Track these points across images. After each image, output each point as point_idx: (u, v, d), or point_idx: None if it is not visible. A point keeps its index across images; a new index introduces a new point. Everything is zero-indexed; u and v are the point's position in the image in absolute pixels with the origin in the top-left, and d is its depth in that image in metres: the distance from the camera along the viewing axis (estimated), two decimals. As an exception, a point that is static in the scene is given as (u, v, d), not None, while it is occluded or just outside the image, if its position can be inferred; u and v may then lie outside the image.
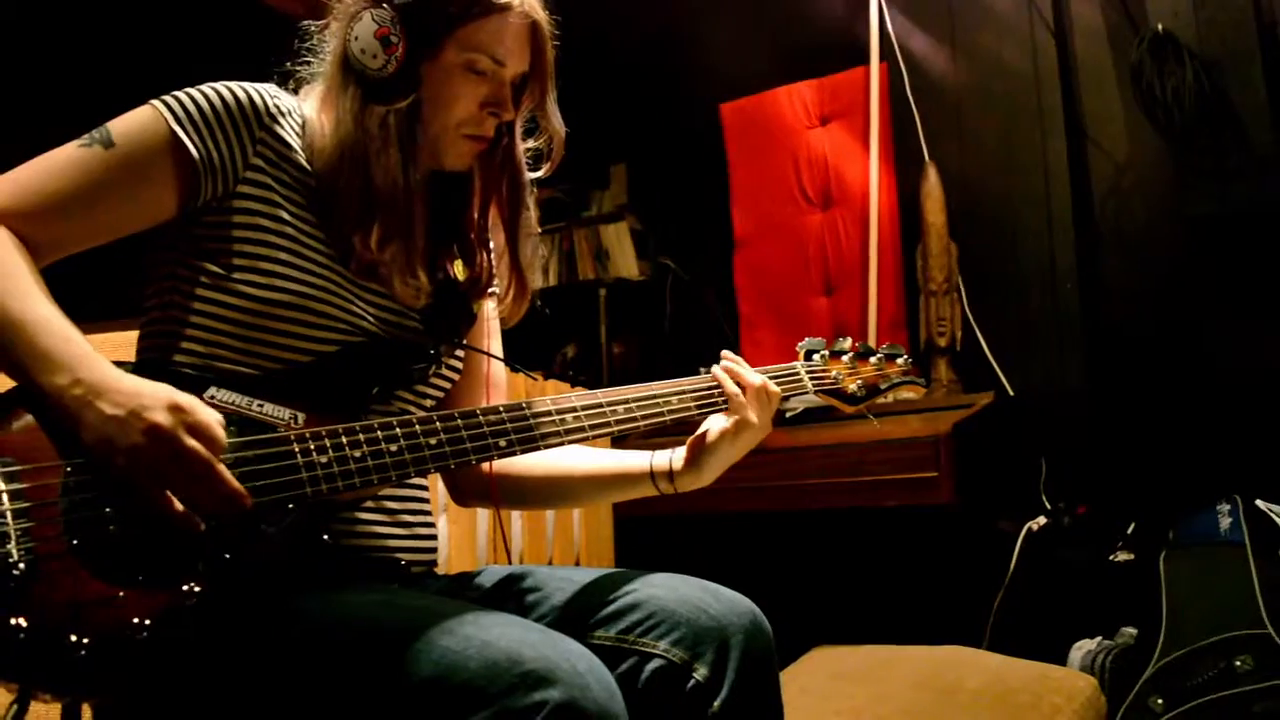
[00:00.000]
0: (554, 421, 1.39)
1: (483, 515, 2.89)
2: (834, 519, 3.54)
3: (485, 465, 1.60)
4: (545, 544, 3.20)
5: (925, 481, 3.18)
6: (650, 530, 3.68)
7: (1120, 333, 3.57)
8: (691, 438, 1.55)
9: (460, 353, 1.58)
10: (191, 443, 1.10)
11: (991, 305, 3.76)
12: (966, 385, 3.72)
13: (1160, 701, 2.61)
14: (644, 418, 1.47)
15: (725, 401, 1.52)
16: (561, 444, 1.39)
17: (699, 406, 1.51)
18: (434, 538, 1.53)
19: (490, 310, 1.63)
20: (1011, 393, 3.67)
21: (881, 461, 3.25)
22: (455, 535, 2.77)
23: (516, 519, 3.10)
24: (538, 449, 1.37)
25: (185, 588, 1.10)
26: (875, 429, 3.21)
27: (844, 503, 3.30)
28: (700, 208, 4.41)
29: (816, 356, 1.70)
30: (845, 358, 1.73)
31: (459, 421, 1.31)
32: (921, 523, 3.46)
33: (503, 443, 1.33)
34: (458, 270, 1.53)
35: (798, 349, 1.71)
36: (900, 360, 1.79)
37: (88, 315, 1.31)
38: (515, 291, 1.56)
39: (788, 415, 3.56)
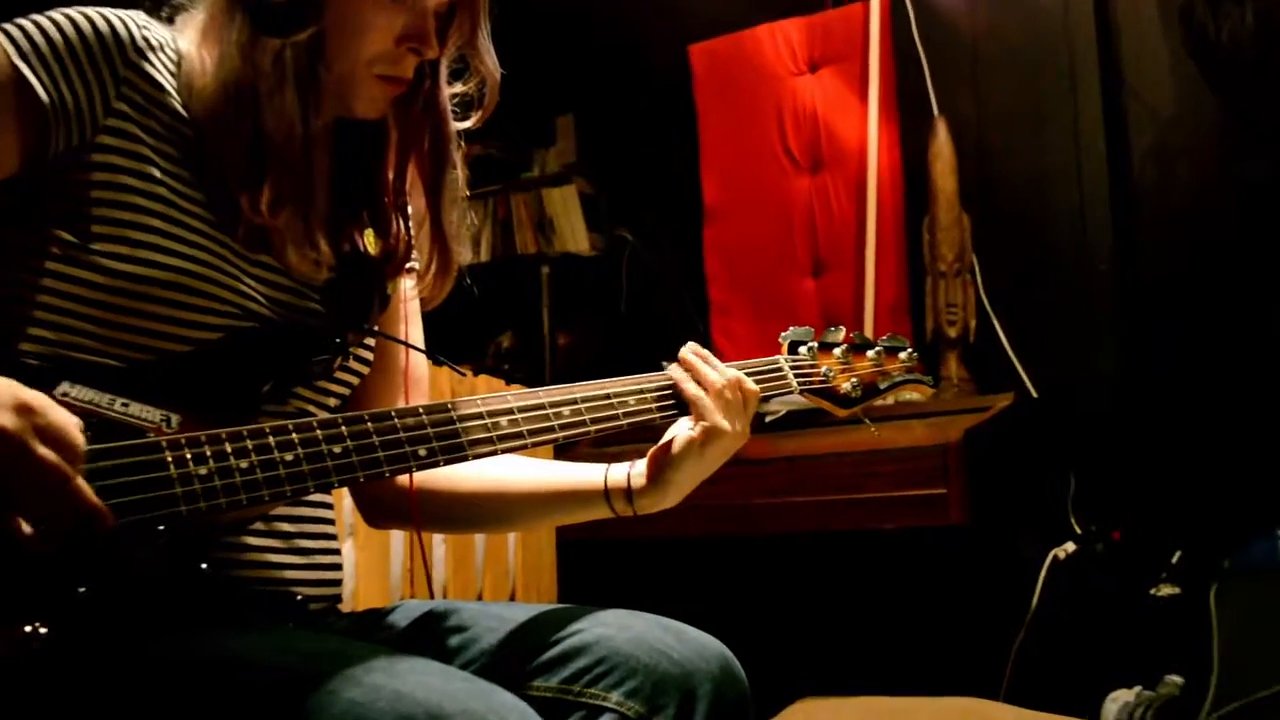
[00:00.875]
0: (485, 426, 1.39)
1: (398, 539, 2.92)
2: (823, 544, 3.57)
3: (402, 479, 1.60)
4: (474, 574, 3.23)
5: (932, 499, 3.21)
6: (600, 557, 3.71)
7: (1163, 322, 3.61)
8: (653, 448, 1.56)
9: (371, 341, 1.58)
10: (43, 450, 1.07)
11: (1011, 289, 3.79)
12: (981, 385, 3.76)
13: (1211, 763, 2.65)
14: (595, 422, 1.48)
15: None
16: (494, 453, 1.39)
17: (662, 409, 1.53)
18: (338, 567, 1.54)
19: (408, 290, 1.63)
20: (1034, 394, 3.70)
21: (880, 475, 3.28)
22: (364, 563, 2.79)
23: (439, 544, 3.13)
24: (465, 459, 1.37)
25: (28, 629, 1.09)
26: (873, 436, 3.24)
27: (835, 524, 3.33)
28: (664, 170, 4.43)
29: (803, 349, 1.72)
30: (837, 351, 1.74)
31: (369, 425, 1.31)
32: (927, 548, 3.48)
33: (423, 451, 1.33)
34: (368, 241, 1.53)
35: (781, 340, 1.73)
36: (903, 354, 1.81)
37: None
38: (438, 267, 1.56)
39: (768, 419, 3.67)
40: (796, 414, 3.64)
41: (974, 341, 3.77)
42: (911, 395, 3.56)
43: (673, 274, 4.35)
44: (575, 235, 4.59)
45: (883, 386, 1.76)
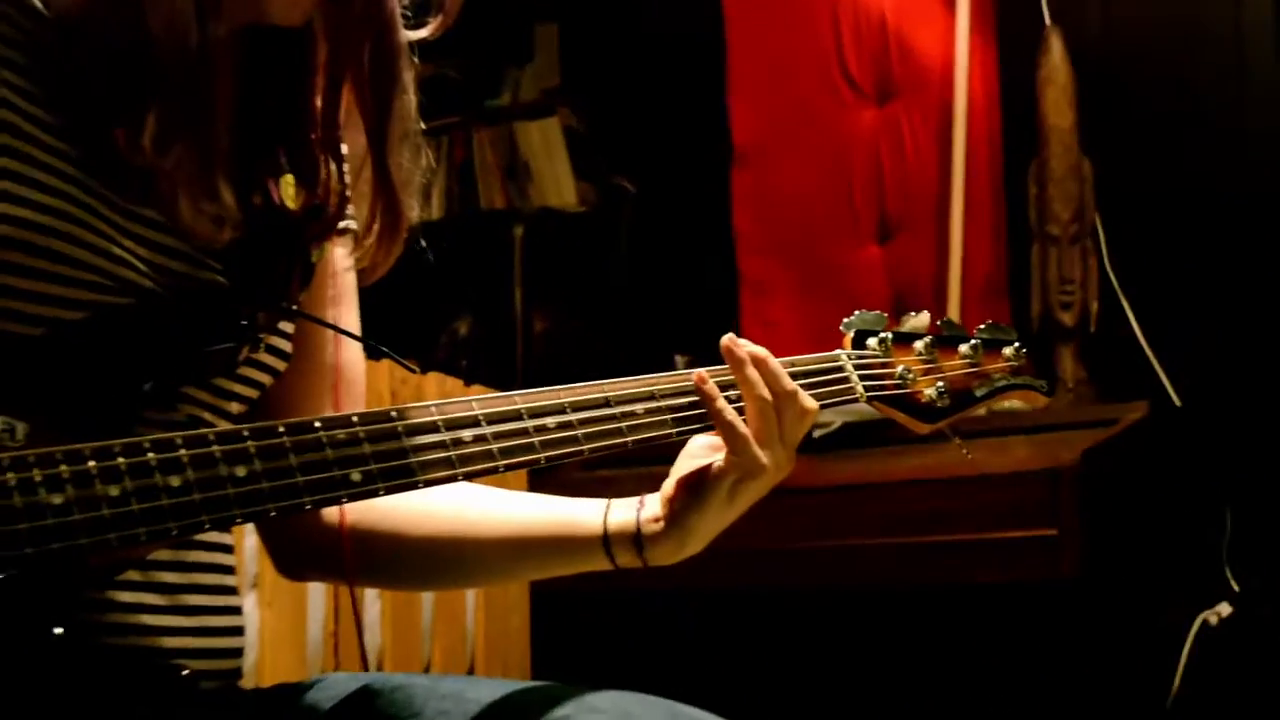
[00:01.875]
0: (442, 443, 1.39)
1: (318, 594, 2.93)
2: (888, 602, 3.56)
3: (329, 514, 1.61)
4: (420, 638, 3.24)
5: (1037, 544, 3.20)
6: (589, 618, 3.73)
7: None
8: (669, 484, 1.57)
9: (290, 327, 1.58)
10: None
11: (1148, 261, 3.80)
12: (1105, 390, 3.78)
13: None
14: (590, 439, 1.47)
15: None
16: (454, 479, 1.39)
17: (680, 425, 1.53)
18: (238, 631, 1.54)
19: (341, 259, 1.64)
20: (1177, 402, 3.72)
21: (967, 512, 3.29)
22: (273, 626, 2.78)
23: (374, 600, 3.13)
24: (415, 487, 1.37)
25: None
26: (958, 459, 3.19)
27: (905, 577, 3.37)
28: (678, 98, 4.45)
29: (873, 342, 1.72)
30: (919, 345, 1.74)
31: (285, 439, 1.31)
32: (1029, 610, 3.45)
33: (357, 476, 1.33)
34: (287, 192, 1.53)
35: (843, 328, 1.72)
36: (1008, 350, 1.80)
37: None
38: (383, 226, 1.57)
39: (817, 434, 3.66)
40: (855, 428, 3.65)
41: (1096, 331, 3.79)
42: (1011, 404, 3.51)
43: (690, 238, 4.37)
44: (558, 185, 4.61)
45: (979, 394, 1.75)
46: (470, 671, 3.49)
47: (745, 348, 1.54)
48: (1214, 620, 3.43)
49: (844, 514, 3.44)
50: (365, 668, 1.81)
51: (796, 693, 3.76)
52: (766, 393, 1.53)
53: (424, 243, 1.62)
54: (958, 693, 3.66)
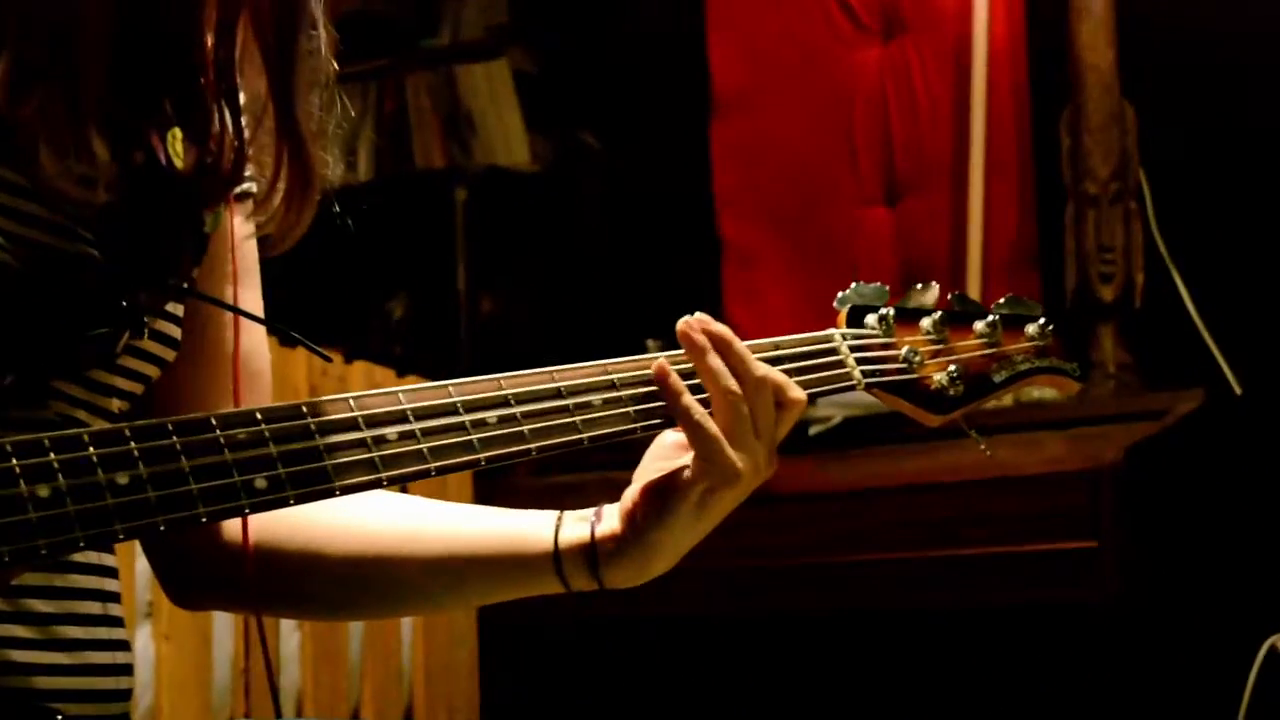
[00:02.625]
0: (363, 442, 1.39)
1: (225, 625, 2.94)
2: (899, 627, 3.59)
3: (231, 529, 1.61)
4: (347, 680, 3.24)
5: (1074, 557, 3.24)
6: (546, 651, 3.72)
7: None
8: (630, 492, 1.57)
9: (180, 309, 1.57)
10: None
11: (1202, 225, 3.81)
12: (1151, 376, 3.79)
13: None
14: (538, 436, 1.48)
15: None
16: (377, 485, 1.39)
17: (644, 419, 1.54)
18: (126, 669, 1.53)
19: (241, 229, 1.64)
20: (1238, 390, 3.74)
21: (992, 520, 3.33)
22: (171, 662, 2.80)
23: (291, 631, 3.14)
24: (331, 494, 1.37)
25: None
26: (981, 458, 3.17)
27: (919, 599, 3.39)
28: (649, 36, 4.48)
29: (871, 320, 1.72)
30: (927, 322, 1.74)
31: (175, 440, 1.30)
32: (1064, 635, 3.47)
33: (261, 483, 1.33)
34: (174, 148, 1.52)
35: (837, 304, 1.73)
36: (1032, 328, 1.80)
37: None
38: (290, 186, 1.57)
39: (814, 431, 3.67)
40: (858, 423, 3.66)
41: (1141, 307, 3.80)
42: (1042, 393, 3.55)
43: (663, 202, 4.38)
44: (508, 140, 4.62)
45: (999, 380, 1.76)
46: (408, 716, 3.50)
47: (705, 329, 1.54)
48: (1284, 646, 3.42)
49: (842, 525, 3.46)
50: (278, 713, 1.79)
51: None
52: (734, 384, 1.53)
53: (346, 209, 1.62)
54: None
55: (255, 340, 1.66)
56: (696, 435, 1.51)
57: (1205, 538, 3.54)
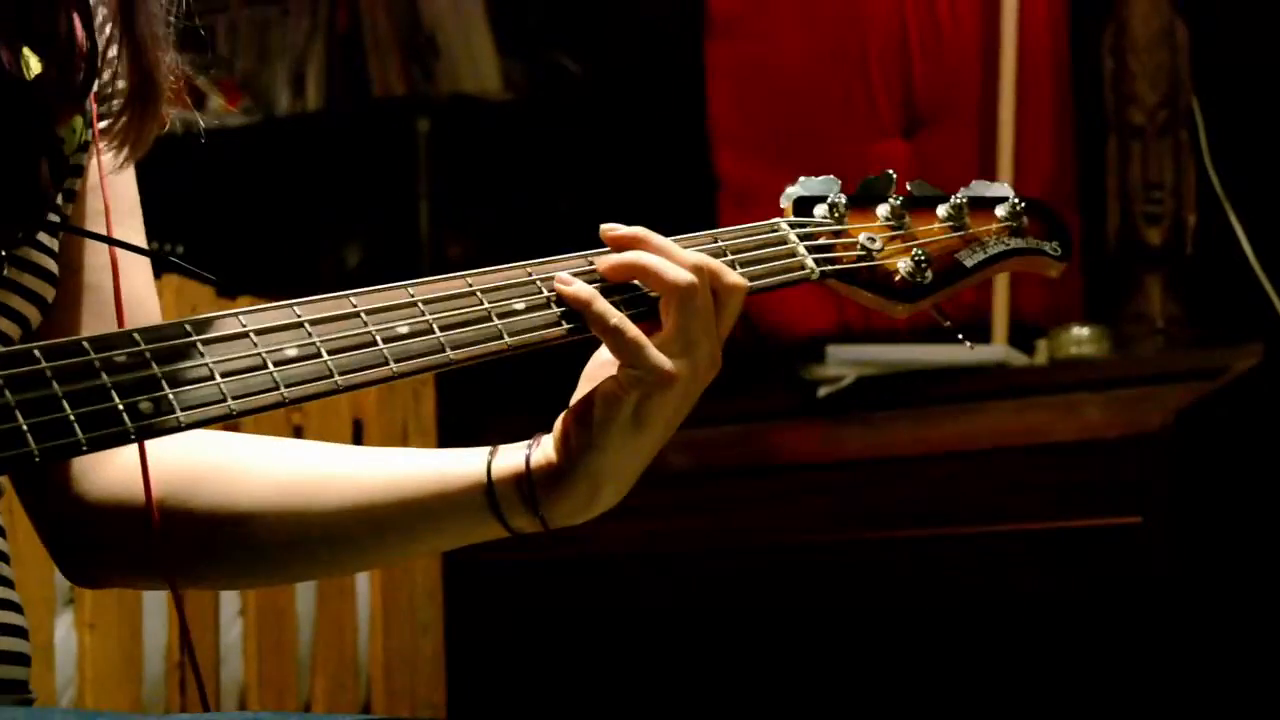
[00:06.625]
0: (257, 359, 1.38)
1: (156, 607, 3.01)
2: (923, 611, 3.63)
3: (121, 484, 1.63)
4: (295, 669, 3.32)
5: (1117, 535, 3.28)
6: (523, 639, 3.86)
7: None
8: (561, 419, 1.59)
9: (54, 243, 1.59)
10: None
11: (1263, 159, 3.88)
12: (1206, 331, 3.90)
13: None
14: (457, 346, 1.48)
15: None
16: (281, 403, 1.40)
17: (570, 319, 1.55)
18: (22, 658, 1.55)
19: (112, 161, 1.66)
20: (1304, 345, 3.63)
21: (1024, 491, 3.38)
22: (97, 652, 2.87)
23: (233, 619, 3.29)
24: (229, 416, 1.36)
25: None
26: (1007, 422, 3.37)
27: (941, 580, 3.49)
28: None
29: (820, 210, 1.73)
30: (882, 210, 1.75)
31: (44, 365, 1.29)
32: (1106, 621, 3.52)
33: (146, 405, 1.32)
34: (28, 60, 1.54)
35: (783, 202, 1.74)
36: (1003, 209, 1.81)
37: None
38: (131, 86, 1.60)
39: (822, 393, 3.57)
40: (872, 383, 3.69)
41: (1193, 253, 3.86)
42: (1080, 349, 3.64)
43: (652, 133, 4.40)
44: (475, 64, 4.71)
45: (970, 264, 1.76)
46: (366, 710, 3.61)
47: (616, 231, 1.59)
48: (1356, 633, 3.43)
49: (855, 498, 3.51)
50: (206, 708, 1.92)
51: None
52: (670, 268, 1.55)
53: (294, 142, 1.59)
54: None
55: (141, 283, 1.69)
56: (616, 341, 1.54)
57: (1264, 513, 3.53)
